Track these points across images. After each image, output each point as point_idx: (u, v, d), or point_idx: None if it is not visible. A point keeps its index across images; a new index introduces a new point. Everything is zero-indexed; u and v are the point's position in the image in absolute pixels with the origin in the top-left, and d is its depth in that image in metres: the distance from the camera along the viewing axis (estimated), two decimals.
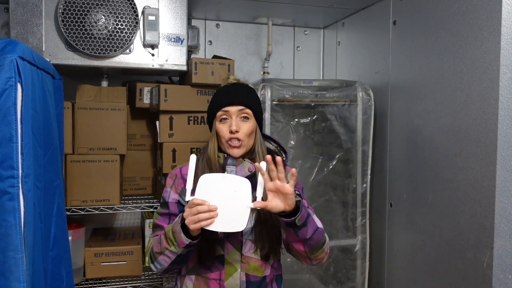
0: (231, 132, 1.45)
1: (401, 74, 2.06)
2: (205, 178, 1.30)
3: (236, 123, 1.45)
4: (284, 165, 1.55)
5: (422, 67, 1.89)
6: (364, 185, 2.26)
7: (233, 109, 1.46)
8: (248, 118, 1.48)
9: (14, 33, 1.86)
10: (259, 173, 1.28)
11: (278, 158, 1.25)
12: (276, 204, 1.26)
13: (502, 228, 1.45)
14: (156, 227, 1.50)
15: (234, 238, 1.44)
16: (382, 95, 2.20)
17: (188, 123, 2.09)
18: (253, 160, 1.50)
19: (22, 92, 1.19)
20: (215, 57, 2.18)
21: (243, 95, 1.49)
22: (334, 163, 2.36)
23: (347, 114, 2.28)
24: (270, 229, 1.45)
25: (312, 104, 2.32)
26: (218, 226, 1.28)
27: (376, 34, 2.26)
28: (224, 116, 1.47)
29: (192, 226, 1.27)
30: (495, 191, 1.47)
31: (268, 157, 1.26)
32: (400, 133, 2.07)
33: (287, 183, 1.26)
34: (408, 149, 2.00)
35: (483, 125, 1.55)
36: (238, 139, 1.45)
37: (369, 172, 2.26)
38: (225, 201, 1.28)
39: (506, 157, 1.45)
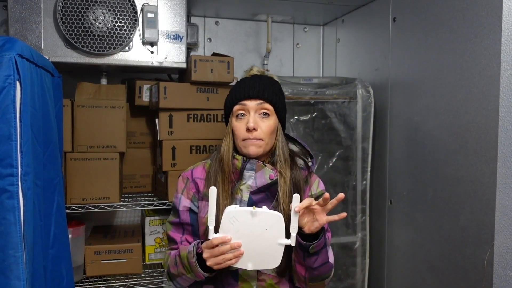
0: (248, 130, 1.29)
1: (401, 71, 2.06)
2: (231, 214, 1.14)
3: (254, 120, 1.29)
4: (309, 171, 1.40)
5: (422, 64, 1.89)
6: (364, 182, 2.26)
7: (251, 103, 1.30)
8: (268, 114, 1.32)
9: (13, 31, 1.85)
10: (292, 205, 1.15)
11: (327, 195, 1.18)
12: (301, 222, 1.19)
13: (503, 225, 1.45)
14: (170, 240, 1.40)
15: None
16: (382, 92, 2.20)
17: (188, 121, 2.08)
18: (273, 163, 1.35)
19: (21, 90, 1.18)
20: (214, 54, 2.17)
21: (263, 87, 1.32)
22: (334, 160, 2.35)
23: (346, 111, 2.28)
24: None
25: (312, 102, 2.31)
26: (248, 264, 1.18)
27: (376, 31, 2.26)
28: (241, 112, 1.32)
29: (216, 267, 1.17)
30: (496, 188, 1.47)
31: (327, 195, 1.18)
32: (400, 130, 2.06)
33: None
34: (408, 146, 1.99)
35: (484, 122, 1.55)
36: (256, 139, 1.30)
37: (369, 169, 2.26)
38: (255, 238, 1.15)
39: (506, 154, 1.44)
